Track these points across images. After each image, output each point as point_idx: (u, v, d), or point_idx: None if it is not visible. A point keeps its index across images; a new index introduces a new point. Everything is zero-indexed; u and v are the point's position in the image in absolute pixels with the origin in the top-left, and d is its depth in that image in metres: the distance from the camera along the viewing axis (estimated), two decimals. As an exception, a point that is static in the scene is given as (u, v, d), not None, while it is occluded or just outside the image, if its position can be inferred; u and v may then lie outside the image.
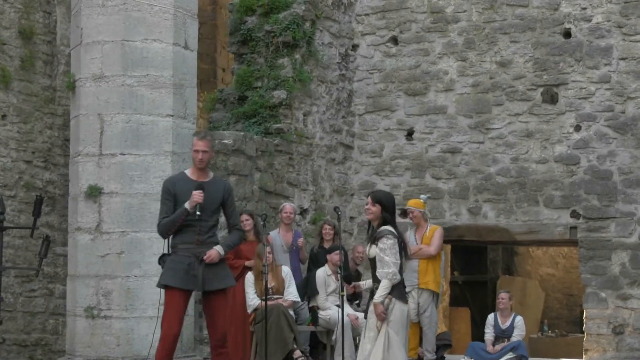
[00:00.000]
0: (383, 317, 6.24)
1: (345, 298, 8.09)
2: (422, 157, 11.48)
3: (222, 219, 6.86)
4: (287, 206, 9.31)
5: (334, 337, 8.64)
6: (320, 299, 8.88)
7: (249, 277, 8.55)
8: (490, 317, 9.70)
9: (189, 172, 6.56)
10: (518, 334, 9.46)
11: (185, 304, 6.49)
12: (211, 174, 6.62)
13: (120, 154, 8.01)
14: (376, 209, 6.41)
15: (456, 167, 11.30)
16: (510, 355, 9.29)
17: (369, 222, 6.61)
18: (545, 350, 14.45)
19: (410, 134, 11.59)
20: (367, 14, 11.86)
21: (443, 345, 9.84)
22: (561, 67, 10.90)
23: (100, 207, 8.02)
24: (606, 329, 10.40)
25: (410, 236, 9.04)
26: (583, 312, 10.94)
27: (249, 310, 8.49)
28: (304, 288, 9.09)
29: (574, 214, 10.73)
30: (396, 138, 11.62)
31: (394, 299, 6.28)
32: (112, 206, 7.99)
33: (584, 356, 10.58)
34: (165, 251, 6.55)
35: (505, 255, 17.35)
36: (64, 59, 9.66)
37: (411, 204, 9.35)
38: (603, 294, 10.47)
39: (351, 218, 11.68)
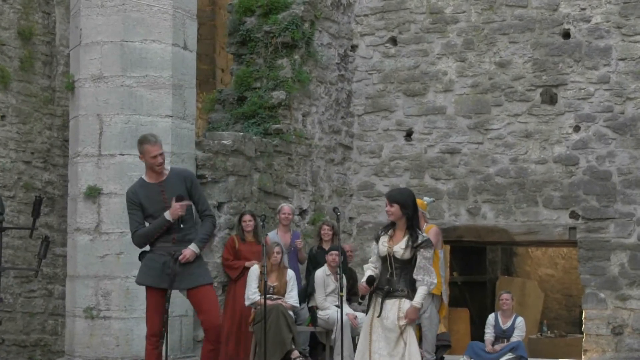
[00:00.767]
0: (413, 322, 6.28)
1: (344, 298, 8.10)
2: (421, 157, 11.48)
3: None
4: (285, 207, 9.31)
5: (333, 337, 8.64)
6: (319, 299, 8.88)
7: (254, 270, 8.48)
8: (491, 317, 9.69)
9: (145, 177, 6.47)
10: (518, 335, 9.46)
11: (163, 301, 6.43)
12: (167, 169, 6.51)
13: (120, 154, 8.03)
14: (395, 209, 6.33)
15: (455, 167, 11.30)
16: (509, 355, 9.30)
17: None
18: (545, 350, 14.43)
19: (409, 134, 11.59)
20: (366, 15, 11.87)
21: (442, 346, 9.84)
22: (560, 68, 10.91)
23: (99, 207, 8.02)
24: (605, 330, 10.41)
25: None
26: (582, 312, 10.93)
27: (247, 303, 8.44)
28: (304, 292, 9.11)
29: (573, 215, 10.73)
30: (395, 139, 11.63)
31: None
32: (111, 207, 7.99)
33: (583, 357, 10.58)
34: (146, 248, 6.53)
35: (504, 255, 17.33)
36: (63, 59, 9.66)
37: (415, 203, 9.32)
38: (602, 295, 10.48)
39: (350, 218, 11.69)
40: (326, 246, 9.27)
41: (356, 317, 8.64)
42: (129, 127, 8.02)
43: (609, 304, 10.44)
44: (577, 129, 10.81)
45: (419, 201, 9.35)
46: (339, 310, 7.86)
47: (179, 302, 7.46)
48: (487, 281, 16.59)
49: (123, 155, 8.01)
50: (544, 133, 10.93)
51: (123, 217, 7.94)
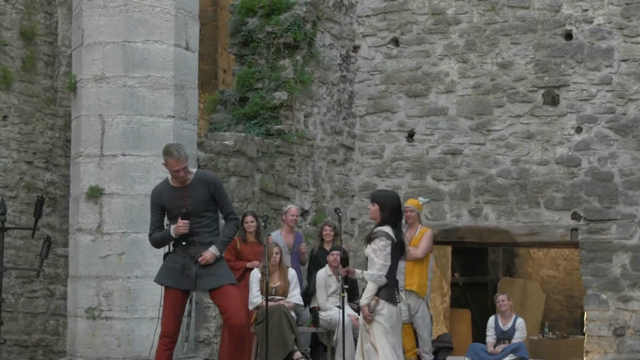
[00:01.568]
0: (370, 319, 6.25)
1: (346, 299, 8.10)
2: (423, 158, 11.48)
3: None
4: (293, 209, 9.31)
5: (334, 338, 8.64)
6: (321, 300, 8.88)
7: (255, 273, 8.52)
8: (491, 319, 9.70)
9: (171, 179, 6.54)
10: (519, 336, 9.46)
11: (180, 302, 6.51)
12: (192, 173, 6.57)
13: (122, 155, 8.02)
14: (374, 208, 6.41)
15: (457, 168, 11.30)
16: (511, 356, 9.29)
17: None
18: (546, 351, 14.45)
19: (411, 135, 11.59)
20: (368, 16, 11.87)
21: (444, 348, 9.85)
22: (562, 69, 10.91)
23: (101, 208, 8.02)
24: (607, 331, 10.40)
25: None
26: (584, 313, 10.92)
27: (250, 307, 8.48)
28: (305, 293, 9.12)
29: (575, 216, 10.72)
30: (397, 139, 11.63)
31: (381, 301, 6.26)
32: (113, 207, 7.99)
33: (584, 358, 10.57)
34: (169, 249, 6.61)
35: (506, 256, 17.35)
36: (65, 60, 9.67)
37: (410, 203, 9.35)
38: (604, 296, 10.47)
39: (352, 219, 11.69)
40: (328, 247, 9.27)
41: (358, 317, 8.63)
42: (131, 128, 8.02)
43: (611, 305, 10.43)
44: (579, 130, 10.80)
45: (414, 201, 9.43)
46: (341, 310, 7.85)
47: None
48: (488, 282, 16.61)
49: (125, 155, 8.01)
50: (545, 134, 10.93)
51: (125, 217, 7.97)
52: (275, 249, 8.58)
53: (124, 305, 7.92)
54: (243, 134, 9.70)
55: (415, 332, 9.25)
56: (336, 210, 8.24)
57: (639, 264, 10.37)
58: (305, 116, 10.78)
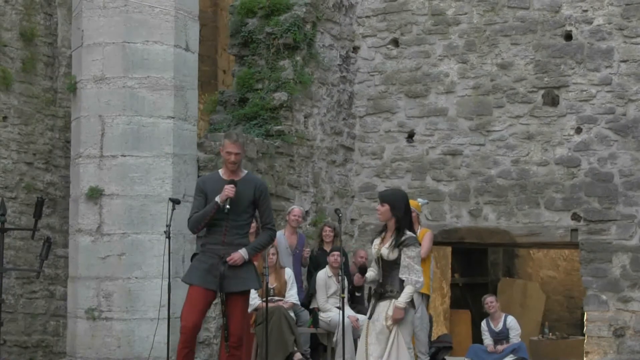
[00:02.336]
0: (399, 321, 6.26)
1: (345, 300, 8.10)
2: (423, 159, 11.48)
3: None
4: (296, 209, 9.31)
5: (334, 339, 8.64)
6: (321, 301, 8.88)
7: None
8: (483, 323, 9.79)
9: (221, 171, 6.54)
10: (515, 335, 9.50)
11: (205, 301, 6.45)
12: (244, 172, 6.57)
13: (121, 155, 8.03)
14: (385, 209, 6.36)
15: (457, 169, 11.30)
16: (511, 357, 9.32)
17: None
18: (546, 352, 14.43)
19: (410, 136, 11.59)
20: (367, 16, 11.87)
21: (444, 348, 9.86)
22: (562, 70, 10.90)
23: (101, 208, 8.03)
24: (607, 332, 10.39)
25: None
26: (584, 314, 10.92)
27: (249, 310, 8.48)
28: (307, 294, 9.13)
29: (575, 217, 10.72)
30: (397, 140, 11.62)
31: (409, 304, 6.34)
32: (112, 208, 8.00)
33: (584, 359, 10.57)
34: (197, 250, 6.58)
35: (505, 257, 17.33)
36: (65, 60, 9.67)
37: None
38: (604, 297, 10.47)
39: (352, 220, 11.68)
40: (327, 248, 9.27)
41: (358, 319, 8.63)
42: (130, 129, 8.03)
43: (611, 306, 10.42)
44: (578, 130, 10.80)
45: (413, 202, 9.41)
46: (341, 312, 7.85)
47: (180, 303, 7.45)
48: (488, 283, 16.59)
49: (125, 156, 8.02)
50: (545, 135, 10.93)
51: (125, 218, 7.97)
52: (272, 250, 8.58)
53: (124, 306, 7.93)
54: (243, 135, 9.70)
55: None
56: (336, 211, 8.24)
57: (639, 264, 10.37)
58: (305, 117, 10.78)
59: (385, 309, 6.29)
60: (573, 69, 10.86)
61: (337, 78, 11.48)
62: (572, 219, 10.73)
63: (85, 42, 8.21)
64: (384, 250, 6.31)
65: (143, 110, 8.07)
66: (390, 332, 6.26)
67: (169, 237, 6.93)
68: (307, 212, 10.70)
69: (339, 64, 11.52)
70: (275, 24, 10.65)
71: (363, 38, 11.87)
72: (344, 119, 11.60)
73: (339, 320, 8.04)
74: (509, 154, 11.07)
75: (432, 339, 9.83)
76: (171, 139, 8.09)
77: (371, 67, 11.80)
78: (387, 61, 11.73)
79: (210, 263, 6.39)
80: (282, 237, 9.10)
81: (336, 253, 8.78)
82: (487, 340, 9.59)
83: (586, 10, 10.85)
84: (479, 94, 11.27)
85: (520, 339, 9.68)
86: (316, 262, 9.30)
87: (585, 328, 10.72)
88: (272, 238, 6.71)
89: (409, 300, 6.25)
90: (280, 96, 10.34)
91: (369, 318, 6.40)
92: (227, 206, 6.30)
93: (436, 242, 10.54)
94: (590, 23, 10.82)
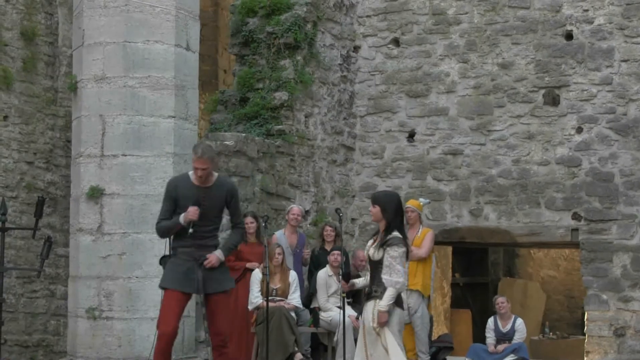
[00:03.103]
0: (385, 324, 6.25)
1: (346, 299, 8.09)
2: (424, 158, 11.48)
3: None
4: (295, 208, 9.31)
5: (335, 339, 8.64)
6: (322, 300, 8.88)
7: (256, 274, 8.52)
8: (490, 321, 9.70)
9: (193, 176, 6.52)
10: (519, 337, 9.47)
11: (182, 305, 6.50)
12: (214, 177, 6.57)
13: (122, 155, 8.03)
14: (376, 210, 6.40)
15: (457, 169, 11.30)
16: (511, 357, 9.30)
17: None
18: (547, 352, 14.44)
19: (411, 135, 11.59)
20: (368, 16, 11.87)
21: (444, 347, 9.84)
22: (563, 69, 10.90)
23: (101, 208, 8.02)
24: (607, 331, 10.39)
25: None
26: (584, 314, 10.92)
27: (250, 308, 8.49)
28: (307, 294, 9.13)
29: (576, 216, 10.72)
30: (397, 140, 11.62)
31: (392, 305, 6.30)
32: (113, 207, 8.00)
33: (585, 358, 10.57)
34: (167, 252, 6.58)
35: (506, 257, 17.33)
36: (65, 60, 9.68)
37: (410, 203, 9.36)
38: (604, 296, 10.46)
39: (352, 219, 11.69)
40: (328, 247, 9.27)
41: (358, 318, 8.62)
42: (131, 128, 8.02)
43: (611, 306, 10.42)
44: (579, 130, 10.80)
45: (414, 202, 9.43)
46: (341, 311, 7.85)
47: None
48: (489, 282, 16.60)
49: (125, 155, 8.01)
50: (546, 134, 10.93)
51: (125, 217, 7.97)
52: (278, 250, 8.58)
53: (124, 306, 7.93)
54: (243, 134, 9.70)
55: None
56: (337, 210, 8.24)
57: (639, 264, 10.37)
58: (306, 116, 10.78)
59: (370, 309, 6.32)
60: (574, 68, 10.85)
61: (338, 77, 11.48)
62: (573, 219, 10.73)
63: (86, 41, 8.21)
64: (371, 251, 6.36)
65: (144, 110, 8.07)
66: (378, 333, 6.28)
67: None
68: (307, 211, 10.70)
69: (339, 64, 11.52)
70: (276, 23, 10.65)
71: (364, 37, 11.87)
72: (344, 118, 11.60)
73: (339, 319, 8.04)
74: (509, 154, 11.07)
75: (433, 339, 9.82)
76: (172, 139, 8.08)
77: (372, 66, 11.80)
78: (388, 61, 11.73)
79: (186, 267, 6.42)
80: (283, 236, 9.10)
81: (336, 252, 8.78)
82: (490, 339, 9.56)
83: (587, 10, 10.85)
84: (479, 94, 11.27)
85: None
86: (317, 262, 9.30)
87: (585, 328, 10.72)
88: (243, 237, 7.01)
89: (390, 302, 6.23)
90: (281, 96, 10.34)
91: (357, 318, 6.44)
92: (191, 230, 6.35)
93: (437, 242, 10.54)
94: (591, 23, 10.82)
